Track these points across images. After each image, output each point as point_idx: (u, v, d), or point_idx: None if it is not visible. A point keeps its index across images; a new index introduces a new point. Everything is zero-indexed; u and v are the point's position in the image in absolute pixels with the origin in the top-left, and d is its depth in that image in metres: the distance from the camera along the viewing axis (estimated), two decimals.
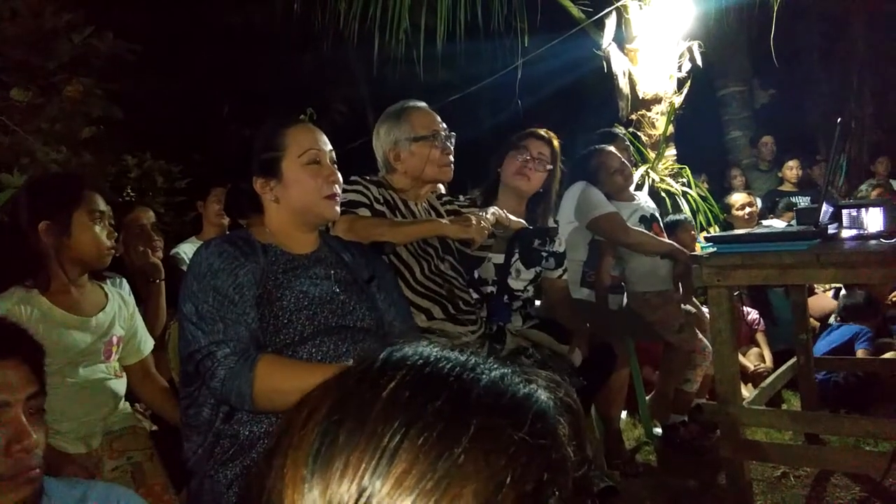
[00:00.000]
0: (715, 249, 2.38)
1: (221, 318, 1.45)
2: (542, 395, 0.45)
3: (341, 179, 1.69)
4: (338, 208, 1.67)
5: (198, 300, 1.48)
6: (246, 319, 1.46)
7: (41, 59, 4.12)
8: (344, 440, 0.40)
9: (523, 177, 2.63)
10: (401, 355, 0.45)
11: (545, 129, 2.74)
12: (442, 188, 2.43)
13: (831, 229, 2.38)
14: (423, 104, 2.25)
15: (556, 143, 2.70)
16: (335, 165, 1.67)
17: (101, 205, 1.92)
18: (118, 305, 2.02)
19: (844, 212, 2.48)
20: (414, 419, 0.40)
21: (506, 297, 2.53)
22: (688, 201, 4.63)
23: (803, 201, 5.20)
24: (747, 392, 3.29)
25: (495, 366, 0.46)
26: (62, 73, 4.14)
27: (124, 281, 2.47)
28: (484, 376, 0.44)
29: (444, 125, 2.22)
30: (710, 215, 4.76)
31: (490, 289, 2.53)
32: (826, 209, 2.33)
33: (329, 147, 1.67)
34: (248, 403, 1.41)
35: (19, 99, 3.85)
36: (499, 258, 2.53)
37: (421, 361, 0.44)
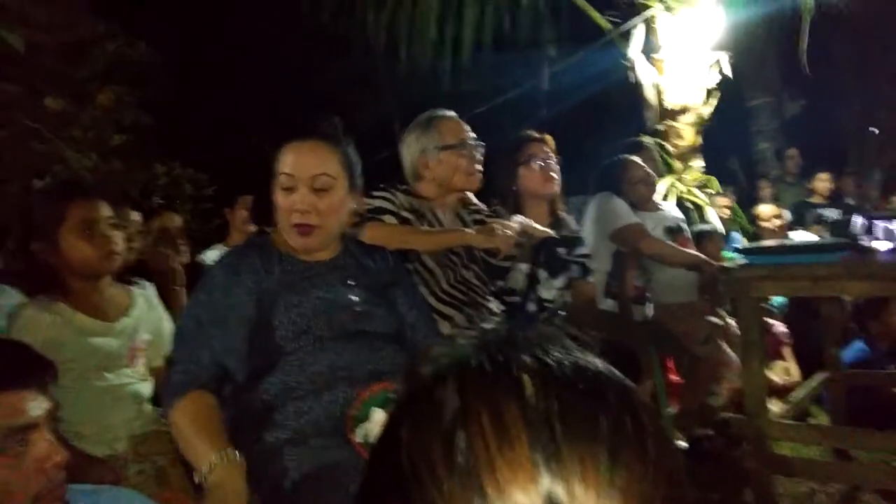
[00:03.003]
0: (745, 260, 2.35)
1: (193, 337, 1.53)
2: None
3: (325, 207, 1.57)
4: (306, 239, 1.59)
5: (187, 313, 1.59)
6: (215, 342, 1.52)
7: (74, 69, 4.22)
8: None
9: (551, 182, 2.62)
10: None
11: (533, 131, 2.73)
12: (472, 196, 2.43)
13: (864, 241, 2.34)
14: (451, 113, 2.26)
15: (548, 137, 2.69)
16: (324, 192, 1.57)
17: (102, 210, 1.89)
18: (144, 309, 2.03)
19: (877, 224, 2.43)
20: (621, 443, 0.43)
21: (535, 306, 2.51)
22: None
23: (833, 214, 5.12)
24: (774, 406, 3.22)
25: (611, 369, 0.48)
26: (95, 81, 4.23)
27: (151, 285, 2.50)
28: (627, 382, 0.47)
29: (473, 134, 2.22)
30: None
31: (515, 298, 2.51)
32: (859, 221, 2.29)
33: (318, 171, 1.56)
34: None
35: (53, 107, 3.94)
36: (526, 268, 2.51)
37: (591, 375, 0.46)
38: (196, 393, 1.48)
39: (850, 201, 5.52)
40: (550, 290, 2.61)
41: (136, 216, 2.72)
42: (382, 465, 0.48)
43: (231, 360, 1.53)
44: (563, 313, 2.90)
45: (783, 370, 4.01)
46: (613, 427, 0.42)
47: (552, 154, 2.66)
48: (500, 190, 2.69)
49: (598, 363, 0.47)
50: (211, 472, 1.35)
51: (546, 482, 0.40)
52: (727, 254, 3.81)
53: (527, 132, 2.72)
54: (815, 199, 5.79)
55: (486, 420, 0.42)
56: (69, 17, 4.25)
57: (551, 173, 2.62)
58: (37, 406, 1.06)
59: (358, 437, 1.45)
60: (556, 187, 2.65)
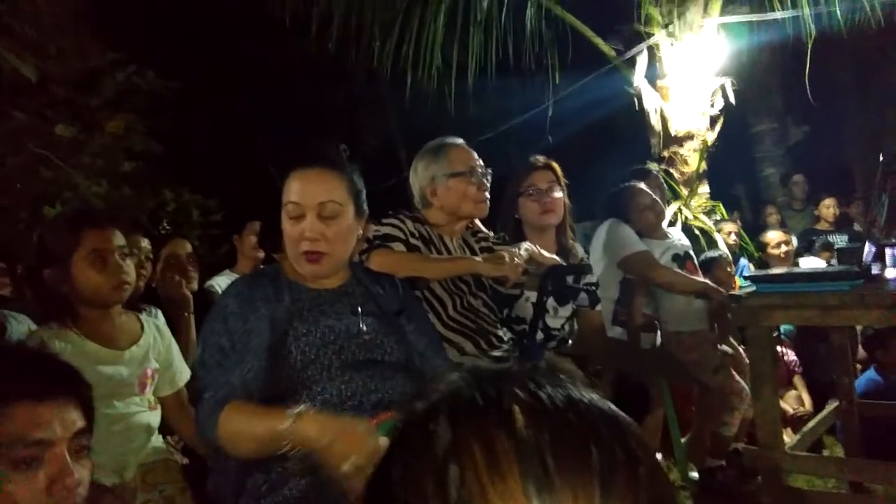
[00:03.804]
0: (755, 288, 2.34)
1: (218, 364, 1.51)
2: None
3: (334, 234, 1.57)
4: (316, 266, 1.59)
5: (206, 344, 1.56)
6: (241, 368, 1.49)
7: (85, 97, 4.27)
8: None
9: (549, 213, 2.59)
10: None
11: (539, 157, 2.70)
12: (479, 223, 2.43)
13: (874, 269, 2.32)
14: (460, 141, 2.27)
15: (554, 165, 2.67)
16: (332, 219, 1.57)
17: (115, 240, 1.89)
18: (153, 337, 2.03)
19: (888, 251, 2.42)
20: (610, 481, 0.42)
21: (542, 335, 2.49)
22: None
23: (840, 240, 5.10)
24: (787, 437, 3.19)
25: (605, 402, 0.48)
26: (105, 109, 4.27)
27: (159, 312, 2.50)
28: (620, 414, 0.47)
29: (481, 162, 2.23)
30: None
31: (523, 327, 2.49)
32: (869, 249, 2.28)
33: (325, 199, 1.56)
34: (215, 444, 1.46)
35: (64, 135, 3.97)
36: (533, 296, 2.50)
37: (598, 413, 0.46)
38: (234, 402, 1.46)
39: (858, 227, 5.51)
40: (558, 318, 2.60)
41: (145, 243, 2.73)
42: (376, 500, 0.47)
43: (255, 385, 1.50)
44: (571, 342, 2.89)
45: (795, 399, 3.96)
46: (605, 458, 0.42)
47: (557, 182, 2.63)
48: (504, 219, 2.69)
49: (592, 395, 0.47)
50: (291, 428, 1.34)
51: None
52: (740, 280, 3.79)
53: (532, 159, 2.71)
54: (822, 226, 5.78)
55: (477, 453, 0.42)
56: (80, 47, 4.31)
57: (549, 204, 2.59)
58: (58, 423, 1.02)
59: None
60: (555, 218, 2.61)
